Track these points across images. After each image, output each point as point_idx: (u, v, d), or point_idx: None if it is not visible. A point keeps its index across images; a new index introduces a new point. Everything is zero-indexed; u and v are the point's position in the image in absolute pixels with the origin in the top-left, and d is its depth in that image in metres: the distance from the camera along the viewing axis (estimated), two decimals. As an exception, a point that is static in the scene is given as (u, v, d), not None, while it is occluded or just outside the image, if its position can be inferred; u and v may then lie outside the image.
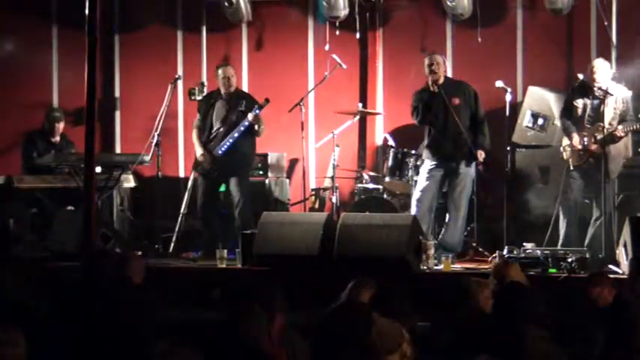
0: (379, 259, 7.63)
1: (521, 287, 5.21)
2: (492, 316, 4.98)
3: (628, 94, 8.33)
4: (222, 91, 9.19)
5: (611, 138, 8.19)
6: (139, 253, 8.06)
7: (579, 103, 8.35)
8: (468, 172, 8.59)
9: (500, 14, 10.01)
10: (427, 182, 8.60)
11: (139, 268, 6.27)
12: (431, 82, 8.59)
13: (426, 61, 8.66)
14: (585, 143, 8.24)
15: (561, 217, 8.42)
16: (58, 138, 9.91)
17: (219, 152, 9.02)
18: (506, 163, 8.81)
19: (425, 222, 8.44)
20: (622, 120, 8.24)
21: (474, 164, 8.61)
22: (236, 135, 8.97)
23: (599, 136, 8.14)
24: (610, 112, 8.18)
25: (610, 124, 8.17)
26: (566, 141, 8.45)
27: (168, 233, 9.31)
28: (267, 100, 9.00)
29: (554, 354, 4.56)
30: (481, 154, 8.55)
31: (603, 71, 8.27)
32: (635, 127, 8.19)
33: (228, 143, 8.99)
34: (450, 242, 8.54)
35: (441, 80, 8.63)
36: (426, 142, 8.76)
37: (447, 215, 8.68)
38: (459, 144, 8.54)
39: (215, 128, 9.14)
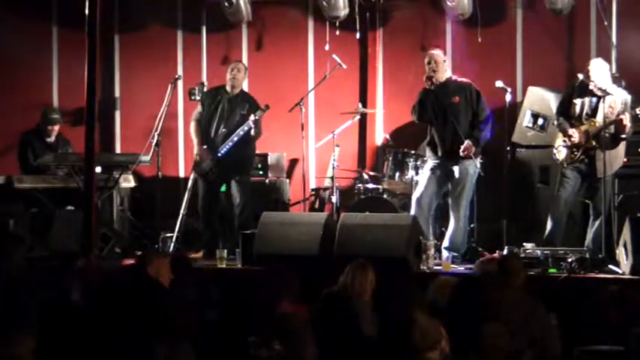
0: (379, 259, 7.58)
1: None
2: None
3: (628, 96, 8.28)
4: (228, 89, 9.19)
5: (615, 136, 8.14)
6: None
7: (578, 101, 8.31)
8: (468, 172, 8.54)
9: (500, 14, 10.02)
10: (427, 181, 8.58)
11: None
12: (426, 78, 8.55)
13: (426, 59, 8.64)
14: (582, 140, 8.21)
15: (549, 214, 8.41)
16: (53, 138, 9.89)
17: (219, 154, 9.03)
18: (506, 163, 8.81)
19: (424, 221, 8.43)
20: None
21: (475, 164, 8.54)
22: (235, 139, 8.98)
23: (590, 130, 8.12)
24: (606, 110, 8.08)
25: (604, 121, 8.11)
26: (559, 142, 8.42)
27: (168, 233, 9.30)
28: (267, 107, 9.02)
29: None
30: (470, 147, 8.43)
31: (600, 71, 8.21)
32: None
33: (227, 146, 9.00)
34: (454, 243, 8.52)
35: (443, 79, 8.60)
36: (427, 139, 8.75)
37: (450, 216, 8.66)
38: (458, 143, 8.51)
39: (218, 128, 9.13)
